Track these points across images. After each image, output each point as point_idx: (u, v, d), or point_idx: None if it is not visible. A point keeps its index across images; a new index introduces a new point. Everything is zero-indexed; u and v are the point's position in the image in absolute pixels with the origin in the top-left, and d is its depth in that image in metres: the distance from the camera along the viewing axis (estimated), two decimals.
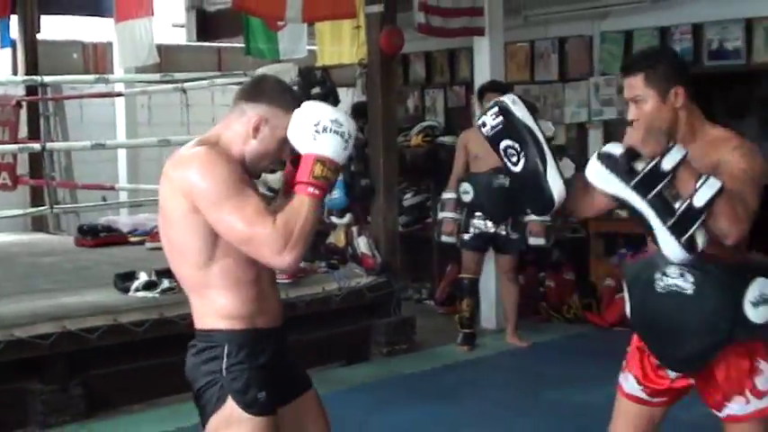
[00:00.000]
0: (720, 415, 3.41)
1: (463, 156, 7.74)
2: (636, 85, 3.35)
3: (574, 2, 9.20)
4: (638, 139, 3.06)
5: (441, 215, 7.95)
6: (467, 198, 7.72)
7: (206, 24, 10.91)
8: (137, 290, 6.64)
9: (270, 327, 3.13)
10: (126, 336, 6.13)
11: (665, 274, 3.31)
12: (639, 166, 3.06)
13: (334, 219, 8.01)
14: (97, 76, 9.88)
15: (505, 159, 3.37)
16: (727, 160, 3.21)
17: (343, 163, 3.00)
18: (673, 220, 3.02)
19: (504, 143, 3.35)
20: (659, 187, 3.03)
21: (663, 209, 3.04)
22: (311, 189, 2.90)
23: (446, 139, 9.57)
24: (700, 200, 3.00)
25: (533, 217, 7.62)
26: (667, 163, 3.02)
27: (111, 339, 6.06)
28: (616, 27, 9.36)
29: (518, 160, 3.33)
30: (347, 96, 8.99)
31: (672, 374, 3.48)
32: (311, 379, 3.37)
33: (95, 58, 11.87)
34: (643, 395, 3.57)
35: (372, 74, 7.87)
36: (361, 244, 7.75)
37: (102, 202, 10.66)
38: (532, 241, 7.78)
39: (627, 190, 3.09)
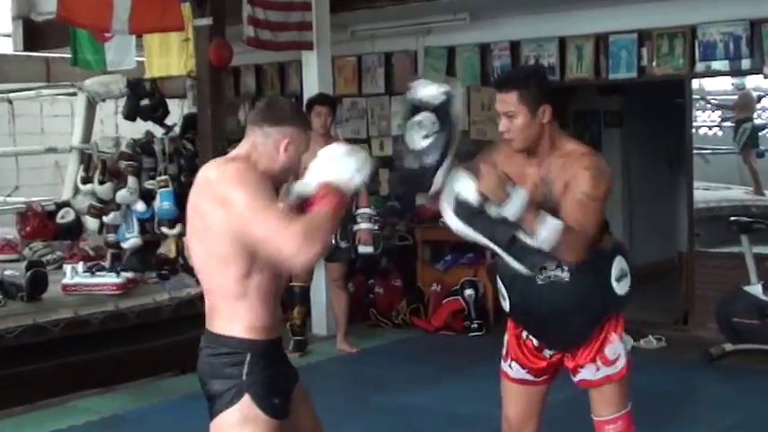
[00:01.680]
0: (575, 379, 3.93)
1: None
2: (509, 101, 3.68)
3: (399, 18, 9.30)
4: (489, 188, 3.45)
5: None
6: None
7: (33, 34, 10.61)
8: None
9: (278, 337, 3.40)
10: None
11: (543, 268, 3.72)
12: (491, 211, 3.47)
13: (164, 229, 7.97)
14: None
15: (412, 127, 3.58)
16: (575, 181, 3.63)
17: (355, 187, 3.34)
18: (517, 253, 3.47)
19: (425, 116, 3.55)
20: (506, 230, 3.45)
21: (508, 244, 3.47)
22: (329, 202, 3.19)
23: None
24: (541, 241, 3.43)
25: (362, 226, 7.80)
26: (509, 211, 3.42)
27: None
28: (439, 43, 9.55)
29: (426, 137, 3.54)
30: (178, 108, 8.94)
31: (547, 353, 3.93)
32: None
33: None
34: (528, 377, 3.99)
35: (202, 86, 7.87)
36: None
37: None
38: (361, 249, 7.89)
39: (478, 236, 3.51)
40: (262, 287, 3.27)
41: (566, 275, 3.74)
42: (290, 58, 9.76)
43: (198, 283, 7.48)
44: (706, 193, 9.86)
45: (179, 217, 7.81)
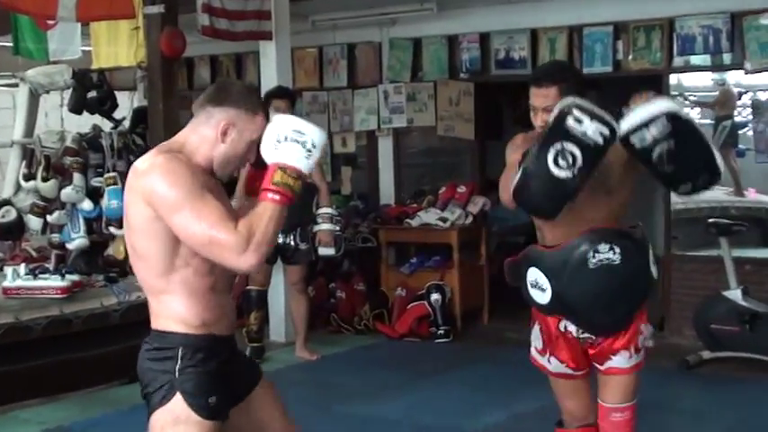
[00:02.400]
0: (602, 367, 4.08)
1: (250, 168, 7.71)
2: (549, 95, 3.87)
3: (362, 8, 9.34)
4: None
5: None
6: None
7: None
8: None
9: (224, 334, 3.29)
10: None
11: (596, 251, 3.90)
12: None
13: (112, 230, 7.83)
14: None
15: (552, 153, 3.62)
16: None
17: (308, 170, 3.14)
18: None
19: (572, 148, 3.61)
20: None
21: None
22: (271, 195, 3.07)
23: None
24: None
25: (323, 226, 7.78)
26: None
27: None
28: (405, 34, 9.56)
29: (567, 167, 3.62)
30: (128, 101, 8.83)
31: (581, 344, 4.09)
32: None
33: None
34: (568, 371, 4.16)
35: (153, 77, 7.78)
36: None
37: None
38: (322, 251, 7.87)
39: None
40: (188, 283, 3.18)
41: (617, 258, 3.91)
42: (247, 49, 9.73)
43: None
44: None
45: None
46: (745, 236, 7.99)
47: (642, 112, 3.67)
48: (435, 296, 8.68)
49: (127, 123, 8.24)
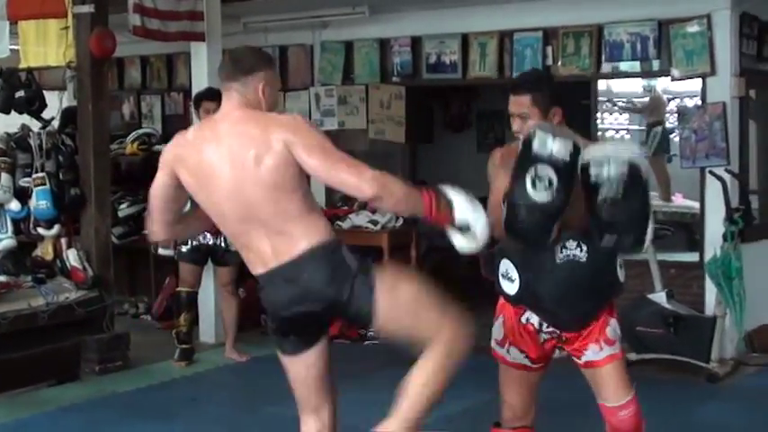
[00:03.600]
0: (580, 362, 4.33)
1: None
2: (523, 103, 4.23)
3: (294, 10, 9.36)
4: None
5: None
6: (184, 210, 7.75)
7: None
8: None
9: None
10: None
11: (564, 247, 4.12)
12: None
13: (41, 230, 7.82)
14: None
15: (529, 180, 3.93)
16: None
17: (450, 233, 3.90)
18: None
19: (545, 170, 3.92)
20: None
21: None
22: (430, 201, 3.84)
23: (164, 148, 9.49)
24: None
25: None
26: None
27: None
28: (336, 37, 9.63)
29: (545, 189, 3.91)
30: (57, 101, 8.80)
31: (543, 337, 4.34)
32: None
33: None
34: (527, 362, 4.39)
35: (82, 77, 7.82)
36: (71, 257, 7.67)
37: None
38: None
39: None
40: (312, 203, 3.90)
41: (583, 256, 4.13)
42: (178, 50, 9.72)
43: (77, 287, 7.45)
44: None
45: (57, 217, 7.70)
46: (670, 240, 8.16)
47: (610, 149, 4.05)
48: None
49: (56, 123, 8.19)
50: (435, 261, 9.92)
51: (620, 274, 4.26)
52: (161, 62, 10.65)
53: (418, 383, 3.90)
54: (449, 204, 3.86)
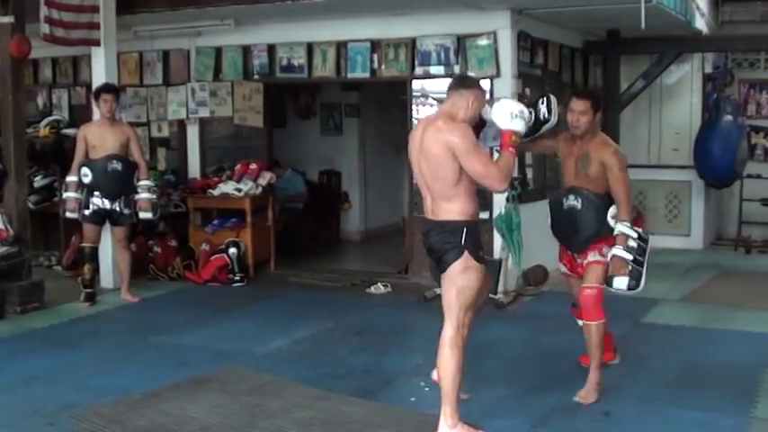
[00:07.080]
0: (585, 263, 5.22)
1: (83, 145, 7.73)
2: (585, 105, 5.13)
3: (174, 22, 9.22)
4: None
5: (65, 195, 7.90)
6: (87, 180, 7.75)
7: None
8: None
9: (478, 221, 4.53)
10: None
11: (567, 198, 5.25)
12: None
13: None
14: None
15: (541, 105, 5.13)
16: (609, 162, 5.07)
17: (524, 131, 4.63)
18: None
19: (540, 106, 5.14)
20: None
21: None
22: (511, 149, 4.47)
23: (70, 131, 9.34)
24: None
25: (142, 195, 7.86)
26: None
27: None
28: (208, 43, 9.56)
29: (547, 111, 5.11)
30: None
31: (577, 259, 5.33)
32: None
33: None
34: (569, 272, 5.48)
35: (4, 75, 7.70)
36: None
37: None
38: (142, 215, 7.94)
39: None
40: (466, 190, 4.37)
41: (579, 205, 5.19)
42: (81, 53, 9.49)
43: (1, 244, 7.33)
44: None
45: None
46: None
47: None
48: (233, 250, 8.77)
49: None
50: (285, 219, 10.24)
51: (611, 221, 5.10)
52: (68, 62, 10.44)
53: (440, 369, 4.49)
54: (511, 131, 4.48)
